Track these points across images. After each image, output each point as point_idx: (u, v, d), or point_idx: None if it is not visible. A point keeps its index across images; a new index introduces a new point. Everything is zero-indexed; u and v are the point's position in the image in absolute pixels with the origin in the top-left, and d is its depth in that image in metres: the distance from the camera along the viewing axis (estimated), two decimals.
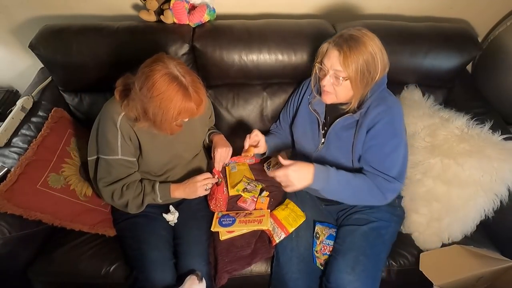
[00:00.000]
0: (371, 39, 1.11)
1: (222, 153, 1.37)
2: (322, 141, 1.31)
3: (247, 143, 1.34)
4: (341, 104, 1.25)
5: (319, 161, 1.24)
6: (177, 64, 1.08)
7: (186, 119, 1.17)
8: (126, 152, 1.23)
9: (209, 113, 1.52)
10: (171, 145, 1.32)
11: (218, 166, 1.37)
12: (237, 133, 1.70)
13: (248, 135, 1.35)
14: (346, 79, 1.12)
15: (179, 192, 1.33)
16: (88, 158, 1.27)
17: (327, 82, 1.16)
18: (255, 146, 1.36)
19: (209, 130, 1.54)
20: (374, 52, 1.10)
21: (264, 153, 1.46)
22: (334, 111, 1.28)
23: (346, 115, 1.23)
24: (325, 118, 1.31)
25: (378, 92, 1.20)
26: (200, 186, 1.29)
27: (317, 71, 1.22)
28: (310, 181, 1.16)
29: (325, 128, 1.30)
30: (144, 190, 1.28)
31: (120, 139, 1.20)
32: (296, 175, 1.14)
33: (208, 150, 1.51)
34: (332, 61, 1.12)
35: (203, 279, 1.18)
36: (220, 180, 1.40)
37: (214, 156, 1.38)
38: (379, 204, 1.27)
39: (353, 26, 1.15)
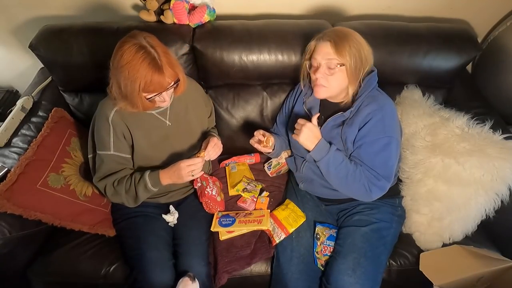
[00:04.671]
0: (355, 33, 1.19)
1: (215, 143, 1.32)
2: None
3: (259, 137, 1.30)
4: (336, 101, 1.28)
5: (313, 160, 1.27)
6: (147, 37, 1.10)
7: (161, 94, 1.14)
8: (118, 148, 1.24)
9: (208, 110, 1.52)
10: (167, 141, 1.32)
11: (207, 155, 1.30)
12: (237, 133, 1.70)
13: (256, 133, 1.31)
14: (342, 65, 1.16)
15: (166, 178, 1.25)
16: (89, 156, 1.29)
17: (321, 74, 1.18)
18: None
19: (210, 132, 1.53)
20: (361, 41, 1.18)
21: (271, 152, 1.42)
22: (327, 110, 1.30)
23: (337, 114, 1.25)
24: (319, 118, 1.32)
25: (368, 91, 1.22)
26: (185, 174, 1.22)
27: (307, 68, 1.24)
28: (311, 148, 1.20)
29: (319, 128, 1.30)
30: (134, 180, 1.25)
31: (112, 135, 1.22)
32: (309, 135, 1.18)
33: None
34: (324, 51, 1.17)
35: (196, 279, 1.18)
36: (200, 184, 1.39)
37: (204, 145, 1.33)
38: (362, 199, 1.29)
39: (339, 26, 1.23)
